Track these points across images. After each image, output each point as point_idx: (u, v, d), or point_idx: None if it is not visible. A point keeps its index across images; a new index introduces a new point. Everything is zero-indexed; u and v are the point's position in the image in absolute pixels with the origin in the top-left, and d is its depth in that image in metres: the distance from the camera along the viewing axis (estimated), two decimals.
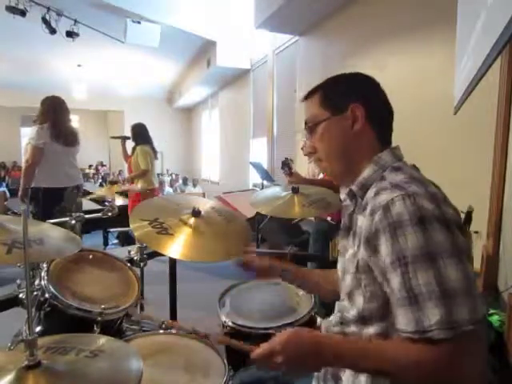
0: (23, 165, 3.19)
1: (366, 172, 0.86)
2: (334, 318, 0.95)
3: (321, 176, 3.66)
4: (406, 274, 0.70)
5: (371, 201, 0.80)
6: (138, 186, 4.20)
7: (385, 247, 0.73)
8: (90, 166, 14.03)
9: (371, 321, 0.81)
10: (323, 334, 0.90)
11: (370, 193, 0.83)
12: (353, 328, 0.85)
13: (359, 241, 0.81)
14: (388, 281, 0.74)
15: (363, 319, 0.82)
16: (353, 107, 0.87)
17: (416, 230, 0.70)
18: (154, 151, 4.34)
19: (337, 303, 0.98)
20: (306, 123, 0.95)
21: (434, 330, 0.66)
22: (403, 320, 0.71)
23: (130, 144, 4.54)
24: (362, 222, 0.81)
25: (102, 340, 0.85)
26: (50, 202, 3.11)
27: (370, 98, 0.90)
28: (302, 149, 4.72)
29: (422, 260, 0.69)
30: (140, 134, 4.30)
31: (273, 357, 0.76)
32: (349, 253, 0.87)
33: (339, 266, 0.96)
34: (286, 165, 2.23)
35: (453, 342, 0.66)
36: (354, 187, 0.88)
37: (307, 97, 0.96)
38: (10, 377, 0.68)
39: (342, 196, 0.96)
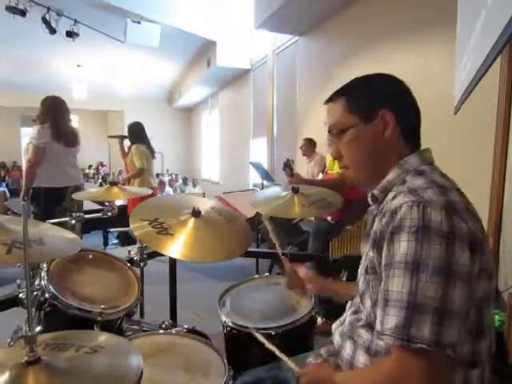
0: (25, 165, 3.17)
1: (390, 175, 0.84)
2: (348, 317, 0.94)
3: (320, 176, 3.67)
4: (387, 277, 0.72)
5: (387, 204, 0.79)
6: (135, 186, 4.10)
7: (383, 250, 0.74)
8: (90, 167, 14.00)
9: None
10: (337, 372, 0.88)
11: (390, 196, 0.81)
12: (365, 335, 0.84)
13: (370, 243, 0.81)
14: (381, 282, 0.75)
15: (370, 325, 0.81)
16: (383, 113, 0.83)
17: (410, 238, 0.68)
18: (151, 151, 4.24)
19: (349, 303, 0.98)
20: (330, 129, 0.90)
21: (386, 335, 0.68)
22: (377, 318, 0.73)
23: (128, 143, 4.51)
24: (376, 225, 0.81)
25: (102, 336, 0.85)
26: (51, 202, 3.11)
27: (397, 100, 0.86)
28: (300, 148, 4.74)
29: (403, 267, 0.68)
30: (136, 133, 4.22)
31: (301, 377, 0.90)
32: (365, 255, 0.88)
33: (359, 269, 0.95)
34: (288, 166, 2.22)
35: (405, 354, 0.66)
36: (375, 191, 0.86)
37: (330, 100, 0.91)
38: (10, 373, 0.68)
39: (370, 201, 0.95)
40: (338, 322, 0.99)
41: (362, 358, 0.82)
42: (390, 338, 0.67)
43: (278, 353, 1.00)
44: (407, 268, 0.67)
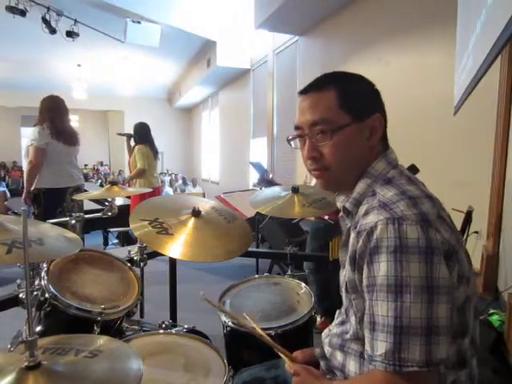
0: (27, 166, 3.14)
1: (360, 187, 0.81)
2: (335, 328, 0.93)
3: None
4: (371, 300, 0.71)
5: (361, 220, 0.77)
6: (137, 186, 4.18)
7: (364, 271, 0.73)
8: (86, 166, 13.80)
9: None
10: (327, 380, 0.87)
11: (362, 209, 0.79)
12: (354, 346, 0.83)
13: (347, 259, 0.79)
14: (364, 301, 0.75)
15: (360, 340, 0.80)
16: (376, 118, 0.81)
17: (389, 259, 0.67)
18: (154, 151, 4.31)
19: (338, 312, 0.97)
20: (315, 123, 0.81)
21: (377, 361, 0.68)
22: (366, 340, 0.73)
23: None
24: (351, 240, 0.79)
25: (101, 340, 0.85)
26: (52, 203, 3.10)
27: (382, 105, 0.84)
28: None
29: (386, 290, 0.67)
30: (139, 133, 4.29)
31: (294, 375, 0.87)
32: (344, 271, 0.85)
33: (340, 278, 0.93)
34: (266, 181, 2.11)
35: (397, 377, 0.66)
36: (348, 205, 0.83)
37: (316, 88, 0.83)
38: (10, 377, 0.68)
39: (339, 205, 0.92)
40: (326, 332, 0.97)
41: (352, 367, 0.82)
42: (382, 364, 0.67)
43: (273, 345, 0.95)
44: (390, 291, 0.67)
